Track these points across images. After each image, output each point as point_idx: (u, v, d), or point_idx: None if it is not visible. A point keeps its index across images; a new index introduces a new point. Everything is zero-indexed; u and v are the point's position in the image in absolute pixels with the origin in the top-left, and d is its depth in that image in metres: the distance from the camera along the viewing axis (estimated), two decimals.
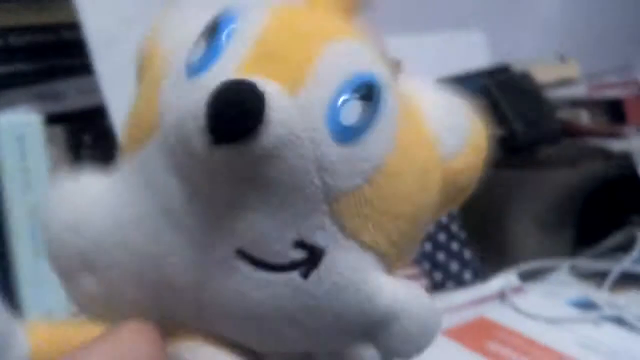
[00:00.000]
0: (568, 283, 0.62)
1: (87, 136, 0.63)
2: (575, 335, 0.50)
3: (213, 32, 0.18)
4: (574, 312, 0.54)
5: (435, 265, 0.63)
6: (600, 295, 0.57)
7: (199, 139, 0.16)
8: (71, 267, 0.18)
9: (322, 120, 0.16)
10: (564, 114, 0.71)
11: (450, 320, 0.56)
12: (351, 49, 0.18)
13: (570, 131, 0.69)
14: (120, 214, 0.18)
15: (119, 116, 0.58)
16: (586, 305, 0.56)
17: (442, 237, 0.63)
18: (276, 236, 0.17)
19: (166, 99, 0.18)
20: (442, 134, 0.20)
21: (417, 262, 0.63)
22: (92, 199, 0.19)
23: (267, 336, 0.19)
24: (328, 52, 0.18)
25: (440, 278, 0.63)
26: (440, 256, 0.63)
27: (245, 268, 0.18)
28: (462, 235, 0.65)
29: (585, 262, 0.65)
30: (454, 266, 0.63)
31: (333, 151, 0.16)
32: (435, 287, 0.63)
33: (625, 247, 0.63)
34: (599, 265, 0.63)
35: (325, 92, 0.17)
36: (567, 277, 0.64)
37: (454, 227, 0.64)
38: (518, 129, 0.64)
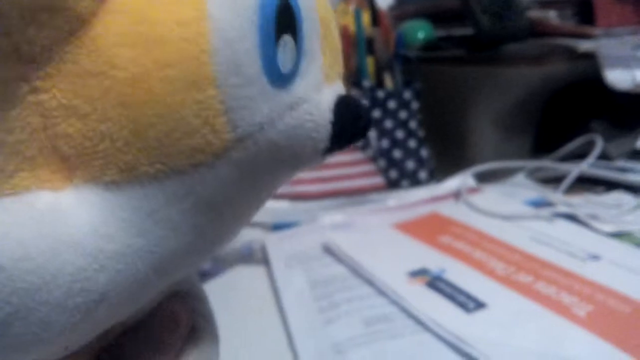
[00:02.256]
0: (525, 185, 0.61)
1: None
2: (528, 231, 0.49)
3: (292, 25, 0.16)
4: (528, 210, 0.53)
5: (392, 163, 0.61)
6: (556, 196, 0.56)
7: (312, 154, 0.18)
8: (85, 305, 0.15)
9: None
10: (533, 15, 0.68)
11: (402, 215, 0.55)
12: None
13: (538, 30, 0.66)
14: (144, 241, 0.16)
15: None
16: (541, 204, 0.55)
17: (400, 133, 0.61)
18: None
19: (243, 116, 0.16)
20: None
21: (373, 159, 0.61)
22: (84, 236, 0.15)
23: None
24: None
25: (396, 176, 0.61)
26: (397, 153, 0.61)
27: None
28: (421, 132, 0.63)
29: (543, 165, 0.64)
30: (410, 164, 0.61)
31: None
32: (390, 184, 0.61)
33: (584, 154, 0.62)
34: (557, 168, 0.62)
35: None
36: (524, 180, 0.63)
37: (413, 124, 0.62)
38: (484, 24, 0.61)
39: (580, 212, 0.51)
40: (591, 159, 0.61)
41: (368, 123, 0.19)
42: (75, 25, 0.14)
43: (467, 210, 0.55)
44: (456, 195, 0.59)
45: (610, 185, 0.59)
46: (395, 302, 0.40)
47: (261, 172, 0.17)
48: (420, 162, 0.62)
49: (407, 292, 0.40)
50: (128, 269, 0.16)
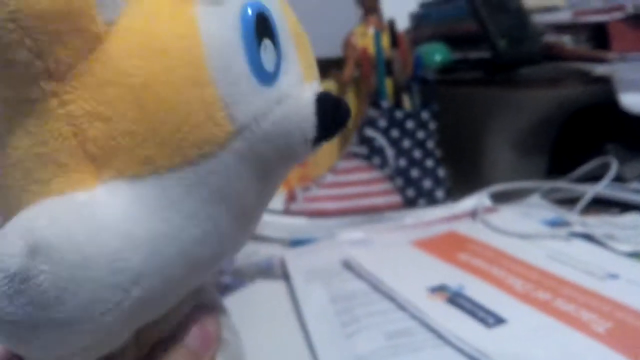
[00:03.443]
0: (541, 206, 0.62)
1: None
2: (546, 250, 0.50)
3: (269, 32, 0.19)
4: (545, 229, 0.54)
5: (409, 182, 0.62)
6: (572, 216, 0.56)
7: (302, 144, 0.20)
8: (124, 284, 0.18)
9: None
10: (547, 39, 0.69)
11: (420, 233, 0.56)
12: None
13: (553, 54, 0.67)
14: (168, 227, 0.18)
15: None
16: (558, 224, 0.55)
17: (417, 153, 0.62)
18: None
19: (239, 110, 0.18)
20: None
21: (391, 177, 0.62)
22: (125, 221, 0.17)
23: None
24: None
25: (413, 194, 0.62)
26: (415, 172, 0.62)
27: None
28: (438, 152, 0.64)
29: (559, 186, 0.64)
30: (427, 183, 0.62)
31: None
32: (407, 203, 0.62)
33: (598, 176, 0.63)
34: (572, 189, 0.63)
35: None
36: (539, 200, 0.63)
37: (430, 144, 0.63)
38: (501, 47, 0.62)
39: (597, 232, 0.52)
40: (606, 180, 0.61)
41: (347, 113, 0.21)
42: (93, 43, 0.17)
43: (484, 229, 0.56)
44: (473, 214, 0.60)
45: (625, 207, 0.59)
46: (416, 317, 0.40)
47: (261, 163, 0.20)
48: (437, 182, 0.63)
49: (428, 307, 0.41)
50: (158, 252, 0.18)
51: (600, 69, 0.63)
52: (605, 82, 0.62)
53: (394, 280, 0.45)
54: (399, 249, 0.53)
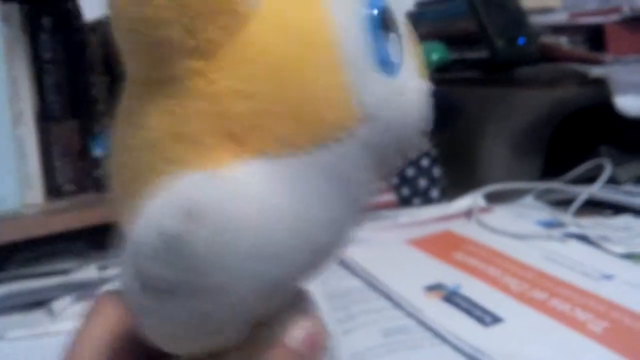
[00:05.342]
0: (535, 207, 0.62)
1: (46, 19, 0.58)
2: (540, 250, 0.50)
3: (394, 24, 0.20)
4: (540, 230, 0.54)
5: (404, 180, 0.62)
6: (566, 217, 0.57)
7: (419, 136, 0.20)
8: (267, 260, 0.17)
9: None
10: (544, 40, 0.70)
11: (415, 232, 0.56)
12: None
13: (550, 55, 0.67)
14: (303, 212, 0.18)
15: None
16: (552, 225, 0.55)
17: None
18: None
19: (367, 97, 0.18)
20: None
21: None
22: (269, 203, 0.17)
23: None
24: None
25: (408, 194, 0.62)
26: (410, 171, 0.62)
27: None
28: (433, 152, 0.63)
29: (554, 188, 0.64)
30: (422, 182, 0.62)
31: None
32: (402, 202, 0.62)
33: (592, 178, 0.63)
34: (567, 191, 0.63)
35: None
36: (533, 201, 0.63)
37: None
38: (499, 46, 0.62)
39: (591, 234, 0.52)
40: (600, 182, 0.62)
41: (460, 110, 0.22)
42: (240, 23, 0.17)
43: (480, 229, 0.56)
44: (467, 214, 0.60)
45: (618, 209, 0.60)
46: (412, 315, 0.40)
47: (381, 153, 0.19)
48: (432, 181, 0.63)
49: (424, 305, 0.41)
50: (296, 232, 0.18)
51: (596, 71, 0.63)
52: (601, 84, 0.63)
53: (389, 278, 0.45)
54: (394, 248, 0.53)
